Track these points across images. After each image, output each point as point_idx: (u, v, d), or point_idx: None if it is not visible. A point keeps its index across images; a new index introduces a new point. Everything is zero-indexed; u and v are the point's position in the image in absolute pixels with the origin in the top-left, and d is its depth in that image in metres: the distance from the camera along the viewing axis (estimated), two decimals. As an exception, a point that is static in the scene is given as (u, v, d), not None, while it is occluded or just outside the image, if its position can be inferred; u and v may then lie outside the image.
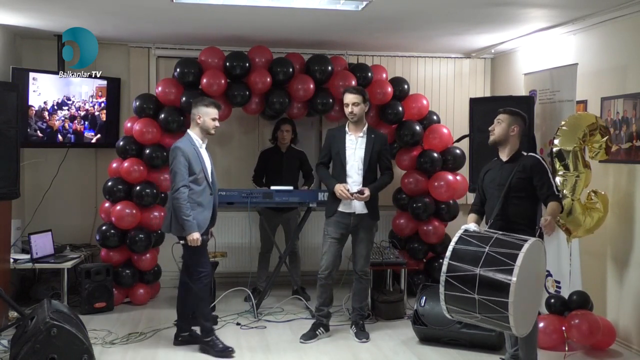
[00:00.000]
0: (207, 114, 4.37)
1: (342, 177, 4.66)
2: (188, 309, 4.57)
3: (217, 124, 4.44)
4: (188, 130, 4.45)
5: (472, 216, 3.94)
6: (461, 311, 3.43)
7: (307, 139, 6.45)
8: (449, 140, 5.96)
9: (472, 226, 3.60)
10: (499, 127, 3.84)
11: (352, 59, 6.35)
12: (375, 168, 4.73)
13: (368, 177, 4.66)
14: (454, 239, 3.49)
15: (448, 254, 3.43)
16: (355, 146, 4.68)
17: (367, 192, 4.58)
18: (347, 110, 4.63)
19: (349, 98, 4.62)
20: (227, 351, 4.37)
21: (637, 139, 4.45)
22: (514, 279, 3.16)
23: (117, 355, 4.38)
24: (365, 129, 4.72)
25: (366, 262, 4.81)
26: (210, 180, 4.43)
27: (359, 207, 4.65)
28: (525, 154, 3.84)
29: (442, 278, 3.40)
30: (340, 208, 4.67)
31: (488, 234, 3.48)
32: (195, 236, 4.24)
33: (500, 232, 3.48)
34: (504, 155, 3.87)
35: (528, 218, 3.73)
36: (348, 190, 4.56)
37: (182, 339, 4.59)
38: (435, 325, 4.58)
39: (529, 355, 3.80)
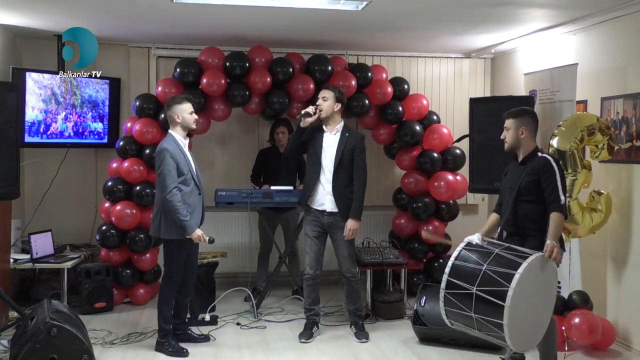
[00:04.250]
0: (183, 111, 4.39)
1: (316, 171, 4.68)
2: (182, 308, 4.62)
3: (195, 116, 4.47)
4: (170, 131, 4.44)
5: (493, 215, 3.89)
6: (462, 325, 3.40)
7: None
8: (449, 140, 5.97)
9: (475, 238, 3.51)
10: (508, 134, 3.74)
11: (352, 59, 6.35)
12: (350, 168, 4.70)
13: (339, 177, 4.66)
14: (455, 254, 3.43)
15: (447, 270, 3.38)
16: (328, 144, 4.71)
17: (350, 224, 4.63)
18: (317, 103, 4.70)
19: (320, 93, 4.73)
20: (182, 352, 4.39)
21: (637, 139, 4.45)
22: (508, 302, 3.08)
23: (117, 355, 4.38)
24: (339, 127, 4.74)
25: (351, 263, 4.78)
26: (198, 180, 4.45)
27: (329, 204, 4.68)
28: (539, 154, 3.70)
29: (442, 294, 3.36)
30: (313, 205, 4.71)
31: (489, 249, 3.38)
32: (198, 232, 4.30)
33: (505, 246, 3.39)
34: (519, 157, 3.76)
35: (538, 222, 3.59)
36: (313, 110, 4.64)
37: (177, 338, 4.57)
38: (435, 325, 4.58)
39: (548, 356, 3.78)
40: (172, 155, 4.26)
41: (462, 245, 3.47)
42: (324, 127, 4.74)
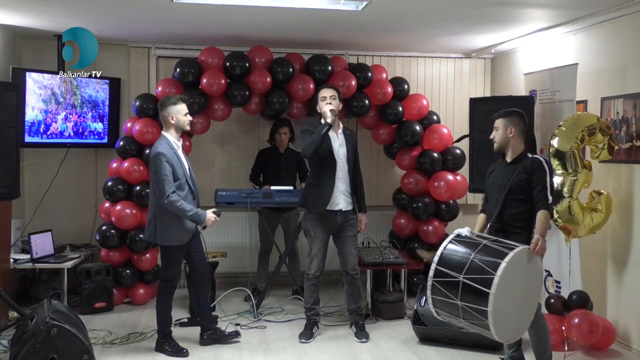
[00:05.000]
0: (178, 112, 4.33)
1: (331, 174, 4.63)
2: (204, 306, 4.60)
3: (189, 118, 4.42)
4: (163, 133, 4.37)
5: (482, 216, 3.97)
6: (448, 315, 3.47)
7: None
8: (449, 140, 5.97)
9: (464, 231, 3.60)
10: (497, 134, 3.86)
11: (352, 59, 6.34)
12: (352, 167, 4.76)
13: (350, 175, 4.71)
14: (443, 244, 3.51)
15: (436, 258, 3.47)
16: (339, 143, 4.69)
17: (364, 219, 4.80)
18: (325, 103, 4.61)
19: (327, 92, 4.65)
20: (182, 352, 4.38)
21: (637, 139, 4.45)
22: (493, 289, 3.16)
23: (117, 355, 4.38)
24: (341, 125, 4.77)
25: (356, 260, 4.84)
26: (192, 183, 4.40)
27: (343, 204, 4.67)
28: (530, 155, 3.80)
29: (429, 283, 3.44)
30: (328, 207, 4.66)
31: (478, 240, 3.48)
32: (211, 217, 4.34)
33: (492, 238, 3.48)
34: (508, 157, 3.86)
35: (525, 221, 3.71)
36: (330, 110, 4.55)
37: (207, 338, 4.59)
38: (435, 325, 4.58)
39: (543, 355, 3.80)
40: (168, 160, 4.19)
41: (451, 236, 3.56)
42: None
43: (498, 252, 3.32)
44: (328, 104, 4.60)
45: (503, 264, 3.22)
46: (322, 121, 4.58)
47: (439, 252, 3.48)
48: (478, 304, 3.22)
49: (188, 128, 4.45)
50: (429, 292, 3.45)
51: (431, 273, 3.44)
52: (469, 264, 3.32)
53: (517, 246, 3.36)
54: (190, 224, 4.33)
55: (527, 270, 3.45)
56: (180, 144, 4.41)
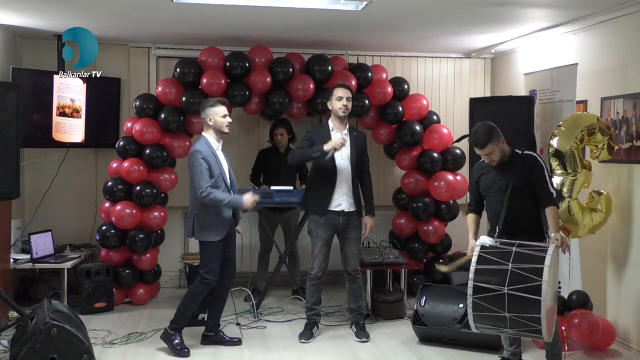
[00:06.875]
0: (216, 114, 4.37)
1: (331, 177, 4.61)
2: (219, 309, 4.62)
3: (229, 119, 4.45)
4: (203, 134, 4.45)
5: (472, 216, 3.98)
6: (491, 327, 3.44)
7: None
8: (449, 140, 5.97)
9: (487, 240, 3.55)
10: (494, 155, 3.74)
11: (352, 59, 6.35)
12: (359, 169, 4.73)
13: (354, 176, 4.68)
14: (474, 259, 3.45)
15: (471, 275, 3.40)
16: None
17: (370, 222, 4.75)
18: (340, 104, 4.60)
19: (343, 92, 4.62)
20: (184, 352, 4.38)
21: (637, 139, 4.45)
22: (543, 295, 3.19)
23: (117, 355, 4.38)
24: (347, 126, 4.74)
25: (358, 261, 4.83)
26: (229, 182, 4.45)
27: (346, 205, 4.65)
28: (519, 152, 3.82)
29: (469, 301, 3.37)
30: (329, 207, 4.64)
31: (506, 248, 3.45)
32: (249, 199, 4.37)
33: (516, 243, 3.45)
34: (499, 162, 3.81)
35: (533, 218, 3.74)
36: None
37: (209, 339, 4.59)
38: (435, 325, 4.58)
39: (554, 347, 3.85)
40: (204, 157, 4.27)
41: (477, 250, 3.50)
42: (331, 126, 4.69)
43: (533, 257, 3.32)
44: (342, 141, 4.49)
45: (546, 268, 3.24)
46: (325, 148, 4.46)
47: (472, 268, 3.42)
48: (529, 312, 3.23)
49: (227, 130, 4.44)
50: (469, 310, 3.39)
51: (470, 291, 3.38)
52: (509, 275, 3.30)
53: (547, 246, 3.37)
54: (227, 216, 4.39)
55: (556, 268, 3.50)
56: (219, 144, 4.46)
